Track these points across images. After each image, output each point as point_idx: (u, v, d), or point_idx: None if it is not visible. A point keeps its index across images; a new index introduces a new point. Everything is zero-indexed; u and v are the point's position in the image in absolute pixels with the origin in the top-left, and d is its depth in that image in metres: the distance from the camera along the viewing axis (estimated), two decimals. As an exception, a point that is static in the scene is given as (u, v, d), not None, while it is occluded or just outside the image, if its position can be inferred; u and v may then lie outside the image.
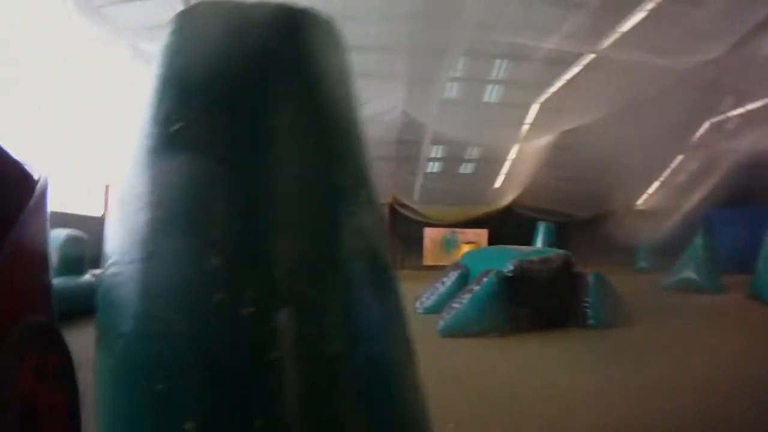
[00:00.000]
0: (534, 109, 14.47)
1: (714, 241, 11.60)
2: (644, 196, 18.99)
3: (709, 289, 11.12)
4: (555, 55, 11.30)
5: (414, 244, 18.00)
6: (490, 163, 17.16)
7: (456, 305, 7.97)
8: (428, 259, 18.17)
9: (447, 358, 5.95)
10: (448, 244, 18.34)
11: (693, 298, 10.48)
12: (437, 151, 16.33)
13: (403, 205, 17.54)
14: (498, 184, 17.61)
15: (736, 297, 10.47)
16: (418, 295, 10.19)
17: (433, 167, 16.85)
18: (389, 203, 17.20)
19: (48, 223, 1.38)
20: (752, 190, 14.37)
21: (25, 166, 1.19)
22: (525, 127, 14.93)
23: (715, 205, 14.36)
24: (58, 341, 1.30)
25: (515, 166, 16.68)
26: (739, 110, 14.07)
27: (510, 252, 9.28)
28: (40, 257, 1.17)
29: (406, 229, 17.45)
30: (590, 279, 8.31)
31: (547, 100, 14.00)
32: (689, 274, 11.33)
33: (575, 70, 12.62)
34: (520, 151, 16.07)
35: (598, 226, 15.49)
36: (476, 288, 8.01)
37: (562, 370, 5.40)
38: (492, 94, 14.59)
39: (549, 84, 13.48)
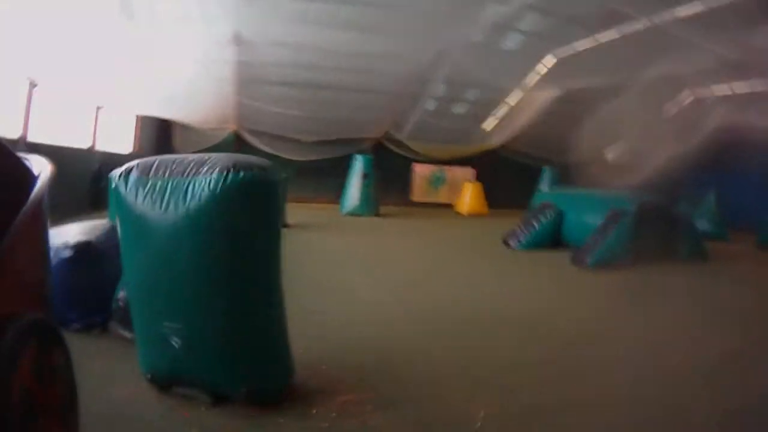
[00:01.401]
0: (550, 62, 15.49)
1: (722, 198, 14.07)
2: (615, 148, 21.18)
3: (719, 238, 13.31)
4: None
5: (399, 181, 18.59)
6: (485, 105, 18.00)
7: (596, 241, 9.13)
8: (416, 196, 18.86)
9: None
10: (437, 181, 19.11)
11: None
12: (440, 90, 16.70)
13: (394, 141, 17.90)
14: (488, 126, 18.58)
15: (745, 245, 12.89)
16: (506, 234, 11.12)
17: (430, 105, 17.27)
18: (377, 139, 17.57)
19: (48, 219, 1.39)
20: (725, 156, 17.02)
21: (25, 161, 1.17)
22: (535, 77, 15.98)
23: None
24: (57, 339, 1.28)
25: (512, 112, 17.72)
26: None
27: (594, 196, 10.64)
28: (40, 254, 1.17)
29: (393, 164, 17.98)
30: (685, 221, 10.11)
31: (566, 56, 15.03)
32: (704, 225, 13.44)
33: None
34: (522, 99, 17.11)
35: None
36: (615, 226, 9.16)
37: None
38: (512, 42, 15.30)
39: (569, 41, 14.54)
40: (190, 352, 3.04)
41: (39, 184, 1.01)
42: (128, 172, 3.12)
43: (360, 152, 16.55)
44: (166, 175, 2.99)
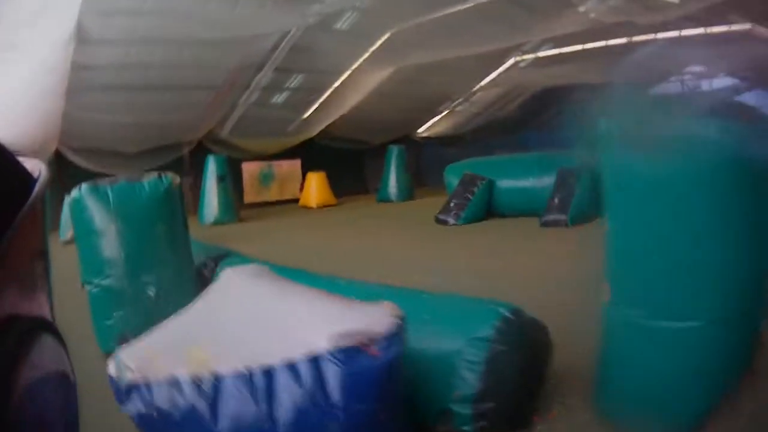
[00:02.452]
0: (382, 39, 15.18)
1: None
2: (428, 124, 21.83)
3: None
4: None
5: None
6: (306, 92, 16.91)
7: (564, 199, 9.30)
8: (249, 196, 16.86)
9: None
10: (266, 179, 17.36)
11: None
12: (267, 79, 15.19)
13: (218, 140, 15.79)
14: (308, 114, 17.48)
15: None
16: (441, 212, 10.64)
17: (251, 97, 15.63)
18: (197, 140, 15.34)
19: (47, 221, 1.32)
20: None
21: (23, 163, 1.06)
22: (365, 56, 15.55)
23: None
24: (56, 339, 1.18)
25: (338, 96, 16.96)
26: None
27: (519, 161, 10.94)
28: (39, 255, 1.12)
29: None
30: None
31: (399, 32, 14.91)
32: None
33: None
34: (349, 81, 16.47)
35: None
36: (576, 180, 9.44)
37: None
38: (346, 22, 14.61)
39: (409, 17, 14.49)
40: None
41: (38, 186, 0.92)
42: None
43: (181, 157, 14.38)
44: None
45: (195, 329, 2.31)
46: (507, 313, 2.72)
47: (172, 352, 2.20)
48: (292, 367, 2.03)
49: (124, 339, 3.41)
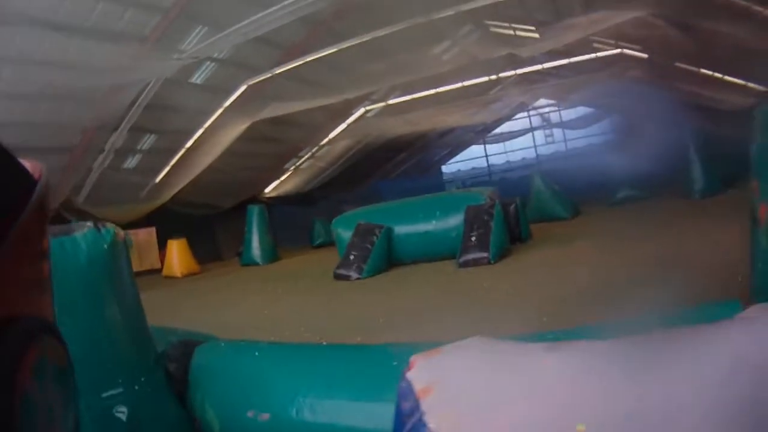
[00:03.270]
0: (238, 92, 14.43)
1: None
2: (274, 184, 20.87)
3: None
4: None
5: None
6: (159, 153, 15.42)
7: (481, 237, 9.22)
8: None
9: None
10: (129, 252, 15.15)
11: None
12: (121, 140, 13.62)
13: (73, 209, 13.63)
14: (160, 177, 15.88)
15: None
16: (339, 267, 9.99)
17: (106, 161, 13.90)
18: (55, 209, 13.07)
19: (48, 223, 1.19)
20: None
21: (25, 165, 0.98)
22: (219, 111, 14.67)
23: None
24: (58, 342, 1.08)
25: (188, 157, 15.66)
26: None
27: (408, 204, 10.87)
28: (41, 256, 1.03)
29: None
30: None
31: (255, 85, 14.29)
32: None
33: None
34: (202, 139, 15.32)
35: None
36: (490, 218, 9.43)
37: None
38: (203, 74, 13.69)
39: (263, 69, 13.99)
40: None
41: (39, 187, 0.95)
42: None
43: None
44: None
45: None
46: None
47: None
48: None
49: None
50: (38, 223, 0.94)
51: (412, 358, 1.55)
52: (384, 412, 2.06)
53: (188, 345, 3.29)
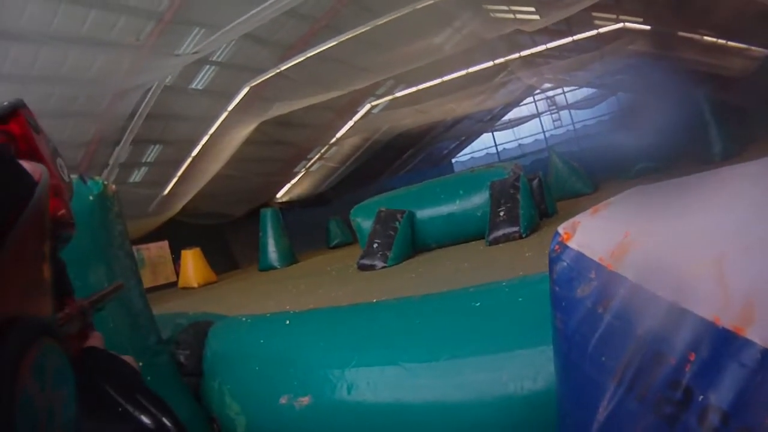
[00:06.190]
0: (242, 94, 14.05)
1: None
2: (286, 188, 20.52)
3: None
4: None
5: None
6: (165, 165, 15.07)
7: (510, 212, 8.72)
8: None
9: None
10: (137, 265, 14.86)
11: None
12: (125, 153, 13.27)
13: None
14: (168, 188, 15.53)
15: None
16: (362, 257, 9.51)
17: (111, 176, 13.56)
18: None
19: (49, 224, 1.08)
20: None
21: (24, 166, 0.92)
22: (224, 115, 14.29)
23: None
24: (59, 342, 0.94)
25: (196, 165, 15.29)
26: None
27: (428, 187, 10.37)
28: (42, 257, 0.92)
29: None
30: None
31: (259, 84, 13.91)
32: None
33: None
34: (209, 146, 14.95)
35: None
36: (517, 192, 8.93)
37: None
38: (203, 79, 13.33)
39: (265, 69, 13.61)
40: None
41: (40, 187, 0.86)
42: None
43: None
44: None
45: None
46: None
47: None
48: None
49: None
50: (39, 225, 0.88)
51: (564, 228, 1.05)
52: (476, 378, 1.51)
53: (201, 327, 2.77)
